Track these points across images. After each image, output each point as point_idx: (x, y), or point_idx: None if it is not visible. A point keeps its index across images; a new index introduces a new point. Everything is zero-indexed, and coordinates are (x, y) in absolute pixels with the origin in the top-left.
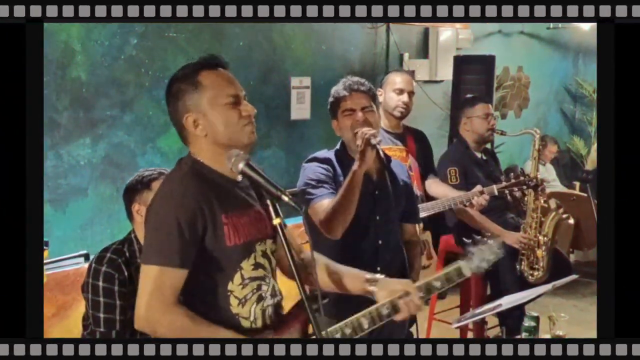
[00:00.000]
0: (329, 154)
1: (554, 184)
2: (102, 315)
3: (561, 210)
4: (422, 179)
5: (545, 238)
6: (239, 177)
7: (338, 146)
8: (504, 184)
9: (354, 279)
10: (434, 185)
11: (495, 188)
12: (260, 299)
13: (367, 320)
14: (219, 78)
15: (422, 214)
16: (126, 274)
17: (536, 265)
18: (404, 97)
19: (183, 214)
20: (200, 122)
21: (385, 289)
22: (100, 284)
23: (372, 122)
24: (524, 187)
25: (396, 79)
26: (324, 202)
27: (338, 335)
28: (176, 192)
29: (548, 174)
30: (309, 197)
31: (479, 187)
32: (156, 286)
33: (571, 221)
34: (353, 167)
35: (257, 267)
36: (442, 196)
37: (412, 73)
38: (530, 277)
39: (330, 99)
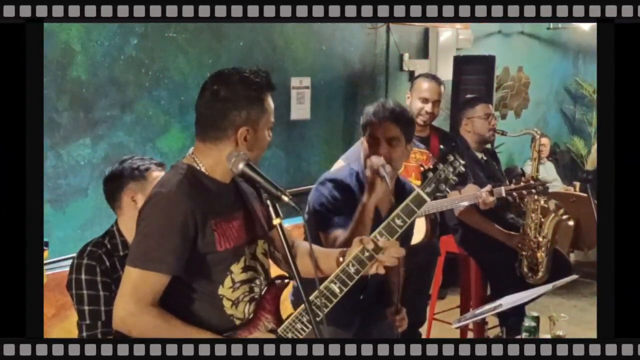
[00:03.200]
0: (349, 178)
1: (555, 184)
2: (86, 308)
3: (561, 212)
4: None
5: (545, 239)
6: (228, 179)
7: (359, 168)
8: (512, 186)
9: (329, 258)
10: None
11: (503, 190)
12: (252, 300)
13: (337, 283)
14: (272, 103)
15: (428, 212)
16: (108, 264)
17: (535, 266)
18: (428, 107)
19: (174, 219)
20: (249, 137)
21: (351, 253)
22: (83, 276)
23: (394, 157)
24: (533, 190)
25: (423, 86)
26: (336, 233)
27: (299, 326)
28: (168, 197)
29: (548, 173)
30: (322, 224)
31: (488, 187)
32: (135, 289)
33: (571, 223)
34: (362, 199)
35: (247, 269)
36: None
37: (440, 79)
38: (529, 278)
39: (362, 119)
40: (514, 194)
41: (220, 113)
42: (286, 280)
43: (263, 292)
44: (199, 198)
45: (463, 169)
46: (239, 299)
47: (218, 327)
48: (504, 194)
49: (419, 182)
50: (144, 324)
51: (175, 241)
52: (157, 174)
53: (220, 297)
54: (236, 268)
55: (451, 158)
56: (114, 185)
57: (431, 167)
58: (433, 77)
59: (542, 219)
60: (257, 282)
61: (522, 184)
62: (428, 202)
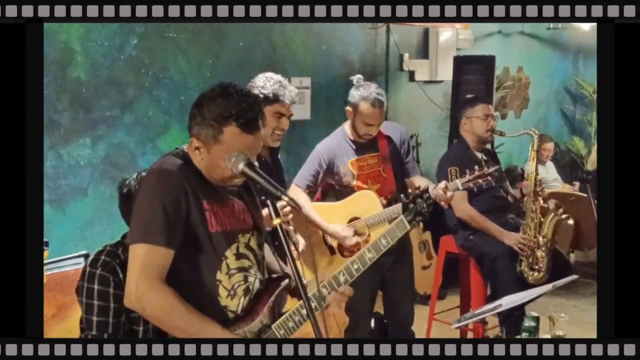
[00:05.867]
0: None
1: (554, 184)
2: (94, 319)
3: (560, 211)
4: (396, 181)
5: (545, 239)
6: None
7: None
8: (467, 177)
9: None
10: (422, 183)
11: (459, 182)
12: (248, 291)
13: (328, 289)
14: (240, 143)
15: (392, 217)
16: (121, 276)
17: (536, 266)
18: (372, 131)
19: (168, 195)
20: (201, 151)
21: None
22: (95, 287)
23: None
24: (489, 177)
25: (367, 112)
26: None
27: (291, 324)
28: (162, 175)
29: (548, 174)
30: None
31: (442, 184)
32: (144, 264)
33: (570, 222)
34: None
35: (240, 257)
36: None
37: (383, 96)
38: (529, 277)
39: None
40: (471, 184)
41: (190, 114)
42: (284, 279)
43: (261, 288)
44: (191, 177)
45: (432, 205)
46: (235, 287)
47: (212, 319)
48: (460, 187)
49: (374, 187)
50: (159, 301)
51: (168, 214)
52: None
53: (218, 283)
54: (230, 254)
55: (426, 195)
56: (129, 204)
57: (411, 199)
58: (378, 100)
59: (542, 219)
60: (252, 271)
61: (475, 174)
62: (408, 227)
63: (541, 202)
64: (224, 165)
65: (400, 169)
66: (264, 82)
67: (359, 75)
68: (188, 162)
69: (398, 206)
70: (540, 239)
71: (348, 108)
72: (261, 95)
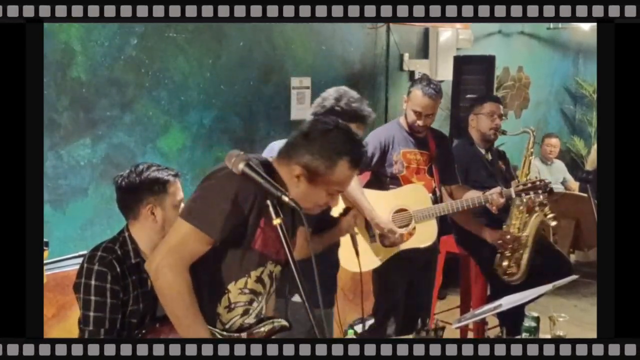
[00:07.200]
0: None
1: (556, 186)
2: (92, 314)
3: (546, 209)
4: (440, 183)
5: (527, 237)
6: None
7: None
8: (521, 187)
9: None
10: (460, 191)
11: (513, 191)
12: (245, 313)
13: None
14: (344, 177)
15: (440, 214)
16: (118, 270)
17: (515, 264)
18: (420, 121)
19: (241, 197)
20: (300, 179)
21: None
22: (93, 282)
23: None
24: (539, 190)
25: (417, 100)
26: None
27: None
28: (244, 179)
29: (552, 175)
30: None
31: (498, 189)
32: (181, 242)
33: (553, 223)
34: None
35: (258, 281)
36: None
37: (438, 91)
38: (505, 276)
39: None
40: (523, 195)
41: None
42: (277, 323)
43: (255, 321)
44: (265, 194)
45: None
46: (236, 304)
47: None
48: (513, 195)
49: (420, 183)
50: (173, 282)
51: (229, 213)
52: (176, 186)
53: (226, 292)
54: (253, 275)
55: (440, 324)
56: (131, 197)
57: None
58: (430, 91)
59: (527, 217)
60: (260, 298)
61: (529, 184)
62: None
63: (532, 197)
64: (323, 194)
65: (444, 172)
66: (344, 95)
67: (425, 73)
68: (271, 176)
69: (451, 203)
70: (523, 236)
71: (404, 96)
72: (340, 109)
